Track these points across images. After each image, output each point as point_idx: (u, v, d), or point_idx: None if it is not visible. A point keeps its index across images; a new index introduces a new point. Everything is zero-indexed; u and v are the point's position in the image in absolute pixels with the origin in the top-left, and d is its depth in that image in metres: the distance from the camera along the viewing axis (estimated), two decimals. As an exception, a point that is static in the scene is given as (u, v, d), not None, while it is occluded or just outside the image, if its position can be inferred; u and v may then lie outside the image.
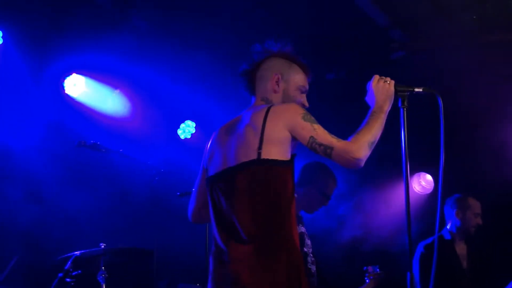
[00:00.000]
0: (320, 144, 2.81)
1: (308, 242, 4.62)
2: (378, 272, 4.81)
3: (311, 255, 4.53)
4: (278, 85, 3.07)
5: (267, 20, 5.51)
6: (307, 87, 3.14)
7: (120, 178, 5.66)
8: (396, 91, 2.94)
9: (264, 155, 2.80)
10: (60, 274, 4.25)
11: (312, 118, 2.88)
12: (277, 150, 2.83)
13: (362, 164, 2.80)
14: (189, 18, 5.48)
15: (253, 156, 2.82)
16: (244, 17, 5.44)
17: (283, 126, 2.86)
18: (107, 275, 4.53)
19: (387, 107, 2.93)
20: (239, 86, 3.19)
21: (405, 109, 2.89)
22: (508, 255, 5.90)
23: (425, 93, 2.93)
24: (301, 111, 2.89)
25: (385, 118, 2.91)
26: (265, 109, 2.91)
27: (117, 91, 5.88)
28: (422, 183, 6.88)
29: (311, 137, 2.82)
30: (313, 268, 4.60)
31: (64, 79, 5.52)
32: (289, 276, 2.72)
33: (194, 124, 6.45)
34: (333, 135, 2.84)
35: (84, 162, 5.49)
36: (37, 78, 5.41)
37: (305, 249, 4.64)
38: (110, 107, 5.84)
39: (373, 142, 2.83)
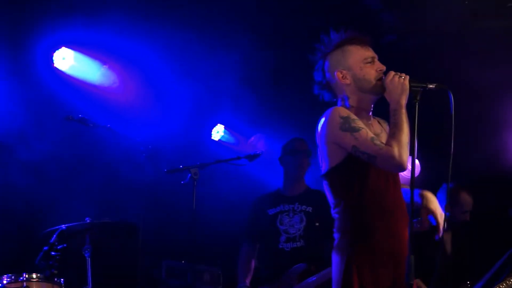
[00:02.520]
0: (363, 153, 2.90)
1: (286, 220, 4.72)
2: None
3: (292, 233, 4.65)
4: (346, 78, 3.09)
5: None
6: (370, 53, 3.13)
7: (107, 153, 5.64)
8: (410, 86, 2.96)
9: None
10: (45, 248, 4.24)
11: (352, 125, 2.93)
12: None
13: (406, 166, 2.91)
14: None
15: None
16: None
17: (327, 141, 2.99)
18: (92, 250, 4.54)
19: (404, 102, 2.96)
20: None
21: (417, 103, 2.91)
22: (492, 242, 5.96)
23: (438, 89, 2.95)
24: (338, 121, 2.95)
25: (405, 112, 2.95)
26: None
27: (106, 67, 5.84)
28: (409, 167, 6.91)
29: (354, 146, 2.91)
30: (288, 246, 4.70)
31: (53, 52, 5.48)
32: None
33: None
34: (375, 141, 2.90)
35: (72, 136, 5.46)
36: (27, 50, 5.36)
37: (280, 227, 4.73)
38: (98, 82, 5.80)
39: (408, 142, 2.90)
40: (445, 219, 5.31)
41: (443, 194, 5.47)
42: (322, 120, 3.04)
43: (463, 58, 5.66)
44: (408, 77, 2.98)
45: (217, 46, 5.87)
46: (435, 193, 5.51)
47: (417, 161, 6.84)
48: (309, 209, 4.85)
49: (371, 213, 2.96)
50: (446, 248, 5.45)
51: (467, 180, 5.80)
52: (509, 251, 4.95)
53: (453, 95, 2.90)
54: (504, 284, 5.01)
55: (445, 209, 5.37)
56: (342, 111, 3.00)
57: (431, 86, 2.95)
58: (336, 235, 3.06)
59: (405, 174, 7.30)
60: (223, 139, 6.83)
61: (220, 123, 6.79)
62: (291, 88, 6.37)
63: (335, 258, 3.02)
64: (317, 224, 4.80)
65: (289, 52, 6.15)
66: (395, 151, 2.86)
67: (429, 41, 5.72)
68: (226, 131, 6.85)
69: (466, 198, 5.41)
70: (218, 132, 6.79)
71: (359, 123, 2.96)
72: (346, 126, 2.94)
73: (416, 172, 7.34)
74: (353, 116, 2.98)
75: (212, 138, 6.75)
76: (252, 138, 6.92)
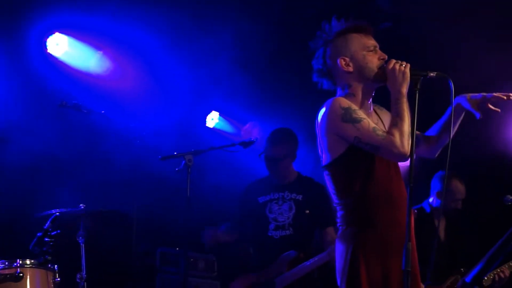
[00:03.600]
0: (366, 144, 2.90)
1: (275, 208, 4.75)
2: None
3: (281, 220, 4.68)
4: (349, 65, 3.06)
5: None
6: (373, 42, 3.12)
7: (101, 140, 5.63)
8: (410, 74, 2.94)
9: None
10: (39, 234, 4.23)
11: (353, 116, 2.92)
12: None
13: (408, 154, 2.88)
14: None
15: None
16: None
17: (328, 133, 2.97)
18: (86, 236, 4.53)
19: (406, 90, 2.94)
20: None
21: (417, 91, 2.90)
22: (486, 230, 5.98)
23: (438, 77, 2.94)
24: (340, 112, 2.93)
25: (407, 100, 2.94)
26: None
27: (100, 53, 5.81)
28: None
29: (356, 137, 2.91)
30: (277, 234, 4.73)
31: (47, 38, 5.44)
32: None
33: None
34: (377, 131, 2.89)
35: (67, 123, 5.45)
36: (20, 36, 5.33)
37: (269, 215, 4.77)
38: (93, 68, 5.78)
39: (410, 130, 2.89)
40: (439, 207, 5.40)
41: (437, 181, 5.49)
42: (322, 111, 3.02)
43: (460, 45, 5.64)
44: (409, 65, 2.97)
45: (213, 32, 5.84)
46: (429, 180, 5.57)
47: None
48: (299, 197, 4.85)
49: (376, 202, 2.96)
50: (440, 236, 5.47)
51: (462, 168, 5.82)
52: (502, 238, 4.97)
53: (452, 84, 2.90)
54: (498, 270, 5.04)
55: (437, 196, 5.43)
56: (343, 101, 2.97)
57: (432, 74, 2.94)
58: (340, 225, 3.05)
59: (403, 164, 7.30)
60: (217, 126, 6.82)
61: (215, 110, 6.77)
62: (286, 75, 6.36)
63: (340, 248, 3.01)
64: (307, 211, 4.80)
65: (285, 39, 6.13)
66: (397, 140, 2.85)
67: (424, 28, 5.70)
68: (221, 118, 6.83)
69: (458, 186, 5.42)
70: (212, 119, 6.77)
71: (361, 114, 2.94)
72: (348, 117, 2.92)
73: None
74: (354, 107, 2.96)
75: (207, 125, 6.73)
76: (247, 125, 6.91)
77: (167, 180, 5.51)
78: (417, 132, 3.02)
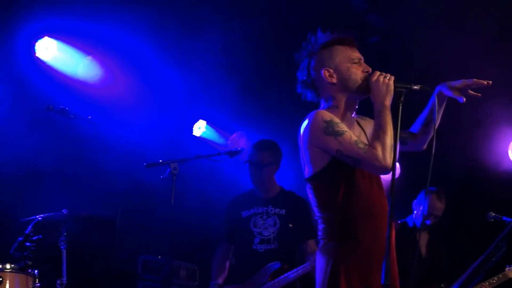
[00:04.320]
0: (348, 157, 2.90)
1: (259, 222, 4.79)
2: None
3: (266, 235, 4.71)
4: (333, 77, 3.07)
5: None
6: (357, 54, 3.12)
7: (87, 145, 5.61)
8: (394, 87, 2.95)
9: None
10: (21, 238, 4.21)
11: (335, 129, 2.92)
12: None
13: (390, 168, 2.88)
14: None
15: None
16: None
17: (310, 145, 2.97)
18: (68, 242, 4.51)
19: (389, 102, 2.94)
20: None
21: (401, 104, 2.90)
22: (466, 247, 6.01)
23: (422, 90, 2.95)
24: (322, 125, 2.94)
25: (390, 113, 2.94)
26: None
27: (89, 58, 5.80)
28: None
29: (338, 150, 2.91)
30: (262, 247, 4.76)
31: (36, 42, 5.43)
32: None
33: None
34: (359, 144, 2.89)
35: (53, 127, 5.42)
36: (8, 39, 5.31)
37: (254, 229, 4.79)
38: (81, 73, 5.76)
39: (392, 143, 2.89)
40: (421, 222, 5.43)
41: (418, 198, 5.54)
42: (305, 123, 3.02)
43: (447, 59, 5.68)
44: (393, 77, 2.97)
45: (202, 40, 5.85)
46: (415, 196, 5.60)
47: (396, 163, 6.91)
48: (283, 211, 4.90)
49: (357, 216, 2.96)
50: (422, 251, 5.50)
51: (447, 184, 5.85)
52: (483, 255, 4.99)
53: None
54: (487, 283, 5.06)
55: (416, 208, 5.48)
56: (325, 114, 2.98)
57: (415, 87, 2.94)
58: (321, 238, 3.04)
59: (385, 177, 7.34)
60: (204, 135, 6.81)
61: (202, 119, 6.77)
62: (275, 86, 6.37)
63: (320, 261, 3.00)
64: (290, 225, 4.85)
65: (274, 50, 6.15)
66: (379, 154, 2.85)
67: (412, 43, 5.74)
68: (208, 126, 6.83)
69: (434, 202, 5.46)
70: (200, 128, 6.77)
71: (343, 127, 2.94)
72: (330, 130, 2.92)
73: (396, 174, 7.36)
74: (336, 120, 2.97)
75: (194, 134, 6.73)
76: (234, 134, 6.91)
77: (152, 187, 5.51)
78: (403, 132, 3.03)
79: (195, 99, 6.47)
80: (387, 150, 2.86)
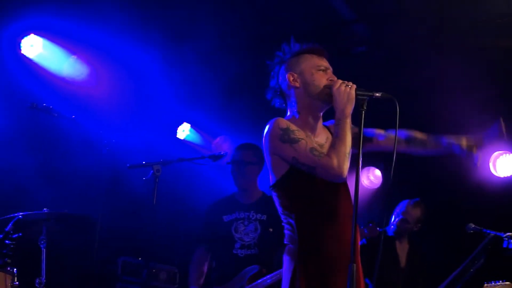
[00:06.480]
0: (303, 164, 2.94)
1: (241, 227, 4.80)
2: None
3: (247, 240, 4.73)
4: (296, 81, 3.13)
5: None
6: (325, 63, 3.18)
7: (70, 145, 5.59)
8: (356, 95, 2.99)
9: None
10: (0, 236, 4.18)
11: (291, 136, 2.97)
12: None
13: (345, 176, 2.93)
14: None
15: None
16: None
17: (270, 153, 3.02)
18: (48, 241, 4.48)
19: (349, 111, 2.99)
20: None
21: (363, 111, 2.94)
22: (446, 258, 6.05)
23: (384, 98, 3.00)
24: (278, 132, 2.98)
25: (350, 121, 2.99)
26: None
27: (74, 57, 5.78)
28: (371, 177, 6.99)
29: (293, 157, 2.95)
30: (242, 252, 4.78)
31: (21, 38, 5.40)
32: None
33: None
34: (314, 151, 2.93)
35: (36, 125, 5.39)
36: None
37: (235, 235, 4.81)
38: (66, 72, 5.74)
39: (349, 151, 2.94)
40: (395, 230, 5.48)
41: (397, 207, 5.60)
42: (265, 131, 3.08)
43: (431, 71, 5.74)
44: (354, 86, 3.02)
45: (187, 45, 5.86)
46: (396, 204, 5.65)
47: (378, 172, 6.95)
48: (264, 217, 4.93)
49: (319, 221, 3.00)
50: (401, 260, 5.53)
51: (428, 195, 5.90)
52: (460, 266, 5.03)
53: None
54: None
55: (394, 217, 5.53)
56: (282, 122, 3.03)
57: (377, 94, 2.99)
58: (286, 243, 3.10)
59: (367, 185, 7.37)
60: (188, 138, 6.81)
61: (187, 122, 6.77)
62: (260, 90, 6.37)
63: (285, 265, 3.06)
64: (270, 230, 4.88)
65: (260, 55, 6.14)
66: (334, 161, 2.89)
67: (398, 54, 5.79)
68: (192, 130, 6.83)
69: (409, 210, 5.52)
70: (184, 130, 6.77)
71: (299, 134, 2.99)
72: (286, 138, 2.97)
73: (377, 182, 7.44)
74: (293, 127, 3.02)
75: (177, 136, 6.73)
76: (218, 138, 6.92)
77: (134, 188, 5.49)
78: (381, 131, 3.04)
79: (180, 102, 6.47)
80: (342, 158, 2.90)
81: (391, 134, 3.27)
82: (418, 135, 3.29)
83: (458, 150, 3.22)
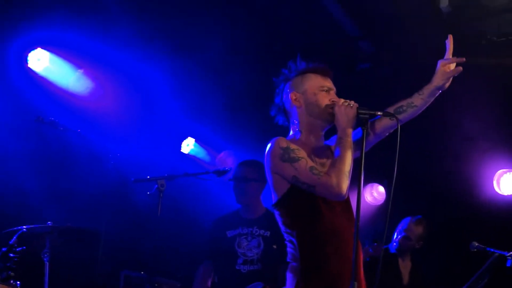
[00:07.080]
0: (303, 183, 2.96)
1: (244, 243, 4.79)
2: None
3: (250, 256, 4.71)
4: (298, 101, 3.16)
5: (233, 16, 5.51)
6: (328, 84, 3.20)
7: (76, 158, 5.60)
8: (358, 114, 3.01)
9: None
10: (4, 249, 4.18)
11: (291, 155, 2.98)
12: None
13: (344, 194, 2.94)
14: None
15: None
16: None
17: (271, 172, 3.05)
18: (51, 254, 4.48)
19: (350, 130, 3.02)
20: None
21: (365, 130, 2.96)
22: (449, 276, 6.03)
23: (385, 117, 3.03)
24: (279, 152, 3.01)
25: (351, 140, 3.01)
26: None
27: (81, 71, 5.81)
28: (374, 194, 6.98)
29: (294, 176, 2.97)
30: (245, 268, 4.77)
31: (28, 52, 5.43)
32: None
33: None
34: (313, 170, 2.95)
35: (42, 138, 5.41)
36: (0, 48, 5.31)
37: (238, 250, 4.80)
38: (72, 86, 5.77)
39: (350, 170, 2.95)
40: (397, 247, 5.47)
41: (399, 224, 5.59)
42: (266, 150, 3.10)
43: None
44: (356, 105, 3.04)
45: (193, 59, 5.88)
46: (398, 221, 5.64)
47: (382, 188, 6.94)
48: (267, 233, 4.91)
49: (320, 240, 3.01)
50: (403, 278, 5.51)
51: (432, 213, 5.88)
52: (465, 285, 5.01)
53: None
54: None
55: (396, 234, 5.52)
56: (282, 141, 3.05)
57: (379, 113, 3.01)
58: (289, 260, 3.12)
59: (370, 202, 7.34)
60: (192, 153, 6.82)
61: (191, 136, 6.78)
62: (265, 105, 6.39)
63: (288, 283, 3.07)
64: (274, 246, 4.86)
65: (266, 71, 6.17)
66: (333, 180, 2.91)
67: (403, 71, 5.80)
68: (197, 144, 6.84)
69: (411, 227, 5.51)
70: (188, 145, 6.78)
71: (299, 153, 3.00)
72: (286, 157, 2.99)
73: (381, 199, 7.41)
74: (293, 146, 3.03)
75: (182, 151, 6.73)
76: (222, 153, 6.92)
77: (139, 202, 5.50)
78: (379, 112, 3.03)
79: (185, 116, 6.49)
80: (342, 177, 2.92)
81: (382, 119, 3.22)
82: (403, 102, 3.23)
83: (437, 88, 3.22)
